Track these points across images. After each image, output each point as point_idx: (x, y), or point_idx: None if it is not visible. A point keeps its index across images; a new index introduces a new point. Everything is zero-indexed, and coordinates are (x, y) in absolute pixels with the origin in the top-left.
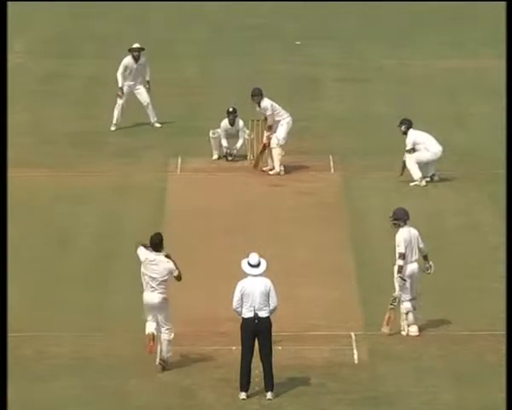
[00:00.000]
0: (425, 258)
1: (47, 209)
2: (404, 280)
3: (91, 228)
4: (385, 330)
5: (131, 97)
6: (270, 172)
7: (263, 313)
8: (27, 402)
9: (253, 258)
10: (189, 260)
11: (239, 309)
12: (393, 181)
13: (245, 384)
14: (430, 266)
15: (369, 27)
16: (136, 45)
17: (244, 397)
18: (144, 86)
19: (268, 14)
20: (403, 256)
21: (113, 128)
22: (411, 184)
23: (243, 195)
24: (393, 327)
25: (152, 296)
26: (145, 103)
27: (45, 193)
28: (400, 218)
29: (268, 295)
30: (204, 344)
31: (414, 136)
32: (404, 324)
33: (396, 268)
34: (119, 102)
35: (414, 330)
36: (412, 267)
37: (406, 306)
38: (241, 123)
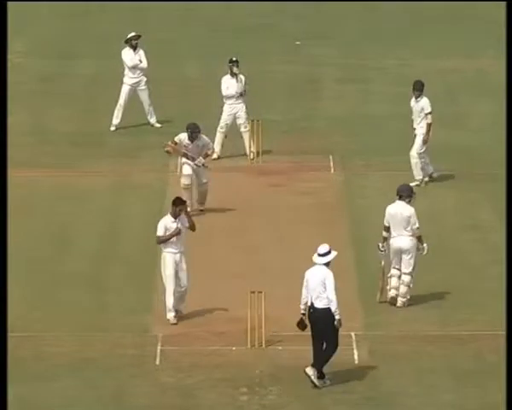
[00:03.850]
0: (419, 239)
1: (47, 209)
2: (381, 250)
3: (91, 228)
4: (377, 297)
5: (132, 98)
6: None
7: (318, 304)
8: (27, 402)
9: (322, 248)
10: (189, 259)
11: (304, 299)
12: (393, 181)
13: (319, 373)
14: (423, 248)
15: (369, 27)
16: (132, 34)
17: (319, 385)
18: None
19: (268, 14)
20: (384, 228)
21: (112, 128)
22: (411, 184)
23: (243, 195)
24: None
25: None
26: (145, 103)
27: (45, 193)
28: (398, 192)
29: (325, 286)
30: (204, 344)
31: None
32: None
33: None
34: (120, 101)
35: (392, 293)
36: (396, 242)
37: (391, 272)
38: (242, 77)
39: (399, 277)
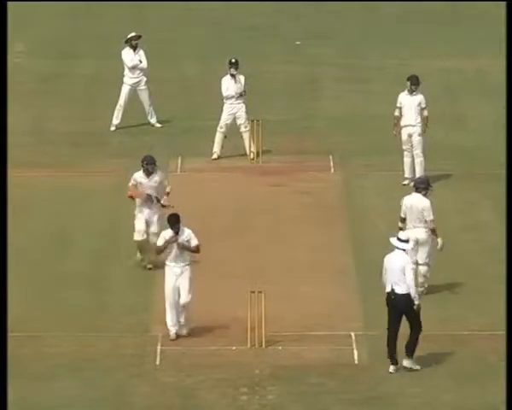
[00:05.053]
0: (433, 232)
1: (47, 209)
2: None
3: (91, 228)
4: None
5: (132, 98)
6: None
7: (399, 289)
8: (27, 402)
9: (402, 234)
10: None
11: (384, 283)
12: (393, 181)
13: (389, 357)
14: (437, 243)
15: (369, 27)
16: (133, 34)
17: (391, 371)
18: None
19: (268, 14)
20: (400, 219)
21: (112, 128)
22: (411, 184)
23: (243, 195)
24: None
25: None
26: (145, 103)
27: (45, 193)
28: (415, 184)
29: (404, 271)
30: (204, 344)
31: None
32: None
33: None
34: (120, 101)
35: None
36: (412, 233)
37: None
38: (242, 77)
39: (416, 271)
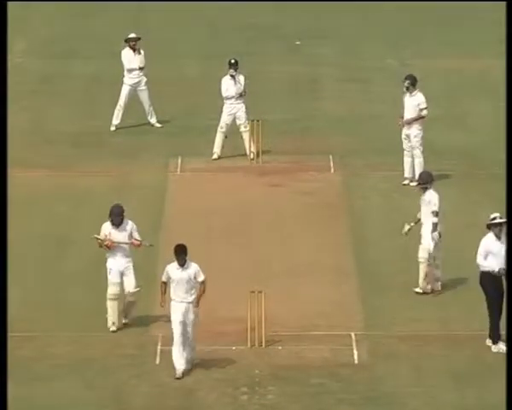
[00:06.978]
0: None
1: (47, 209)
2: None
3: (91, 228)
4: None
5: (132, 98)
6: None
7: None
8: (27, 402)
9: (493, 215)
10: (189, 259)
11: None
12: (393, 181)
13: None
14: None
15: (369, 27)
16: (132, 35)
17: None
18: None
19: (268, 14)
20: (437, 214)
21: (112, 128)
22: (412, 184)
23: (243, 195)
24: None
25: None
26: (145, 103)
27: (45, 193)
28: (426, 181)
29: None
30: (204, 344)
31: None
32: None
33: (431, 227)
34: (120, 101)
35: (430, 285)
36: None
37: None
38: (242, 77)
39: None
